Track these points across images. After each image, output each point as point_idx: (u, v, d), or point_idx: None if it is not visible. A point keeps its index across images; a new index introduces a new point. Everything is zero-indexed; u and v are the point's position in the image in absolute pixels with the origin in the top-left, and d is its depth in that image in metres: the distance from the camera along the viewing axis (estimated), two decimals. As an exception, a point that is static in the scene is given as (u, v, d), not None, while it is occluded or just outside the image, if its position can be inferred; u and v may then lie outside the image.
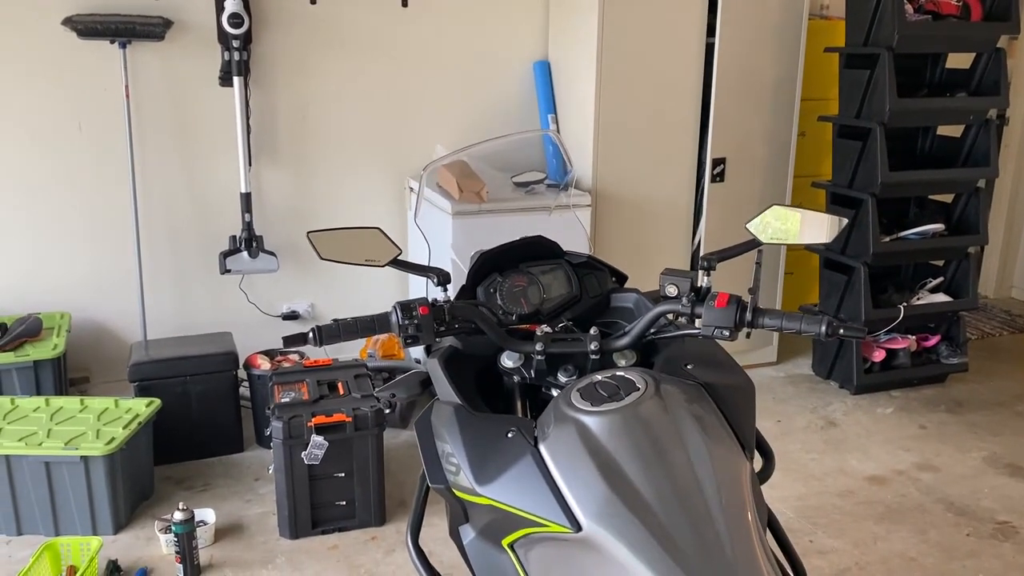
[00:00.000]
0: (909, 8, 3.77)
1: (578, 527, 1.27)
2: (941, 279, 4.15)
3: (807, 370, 4.31)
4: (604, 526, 1.25)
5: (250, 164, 3.68)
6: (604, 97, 3.70)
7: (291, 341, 1.51)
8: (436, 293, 1.64)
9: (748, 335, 1.51)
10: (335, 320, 1.53)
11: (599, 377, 1.43)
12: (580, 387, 1.42)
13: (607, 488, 1.27)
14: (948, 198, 4.16)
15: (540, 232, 1.87)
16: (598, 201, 3.76)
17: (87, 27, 3.35)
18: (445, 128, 4.04)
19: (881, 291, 4.06)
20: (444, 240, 3.48)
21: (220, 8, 3.50)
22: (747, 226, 1.69)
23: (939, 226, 3.98)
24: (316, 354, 3.47)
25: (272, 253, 3.76)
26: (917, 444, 3.59)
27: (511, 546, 1.41)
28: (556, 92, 4.02)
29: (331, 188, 3.95)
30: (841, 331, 1.44)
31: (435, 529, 2.69)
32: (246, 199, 3.68)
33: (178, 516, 2.60)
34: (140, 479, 3.04)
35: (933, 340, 4.16)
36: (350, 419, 2.83)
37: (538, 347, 1.57)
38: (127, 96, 3.50)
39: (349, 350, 3.71)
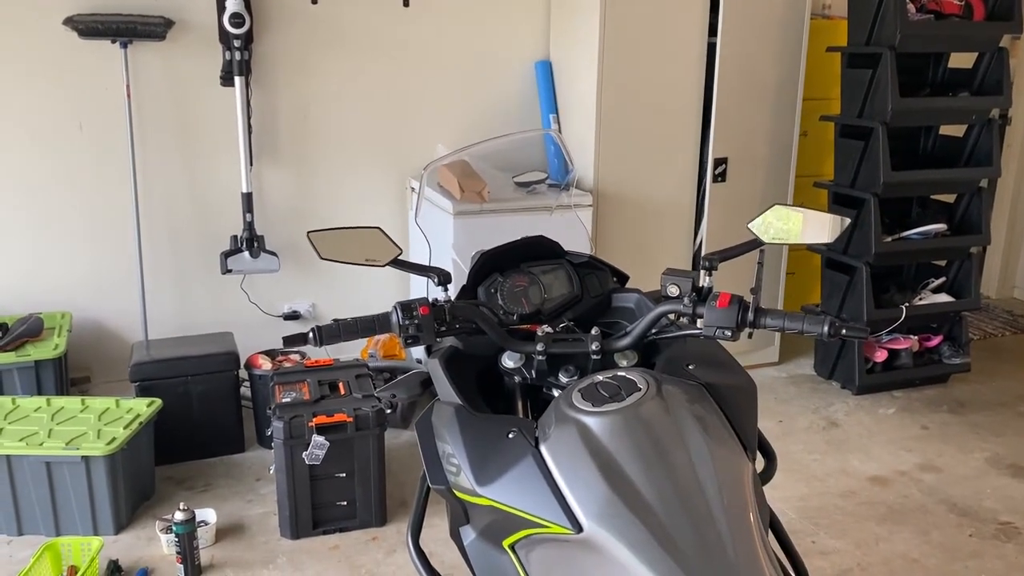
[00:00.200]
0: (911, 7, 3.77)
1: (579, 528, 1.26)
2: (943, 279, 4.14)
3: (809, 370, 4.30)
4: (605, 527, 1.25)
5: (251, 164, 3.68)
6: (605, 97, 3.69)
7: (291, 341, 1.51)
8: (437, 293, 1.64)
9: (750, 336, 1.50)
10: (335, 320, 1.53)
11: (600, 377, 1.43)
12: (581, 387, 1.41)
13: (608, 489, 1.27)
14: (950, 198, 4.15)
15: (541, 232, 1.86)
16: (599, 201, 3.76)
17: (88, 27, 3.35)
18: (446, 128, 4.04)
19: (883, 291, 4.06)
20: (445, 240, 3.48)
21: (221, 8, 3.50)
22: (749, 226, 1.68)
23: (941, 226, 3.98)
24: (317, 354, 3.46)
25: (273, 253, 3.76)
26: (919, 444, 3.59)
27: (512, 547, 1.40)
28: (557, 92, 4.02)
29: (332, 188, 3.95)
30: (843, 331, 1.43)
31: (436, 530, 2.69)
32: (247, 199, 3.68)
33: (179, 516, 2.60)
34: (141, 479, 3.04)
35: (935, 340, 4.15)
36: (351, 419, 2.83)
37: (539, 347, 1.56)
38: (128, 96, 3.50)
39: (350, 350, 3.71)
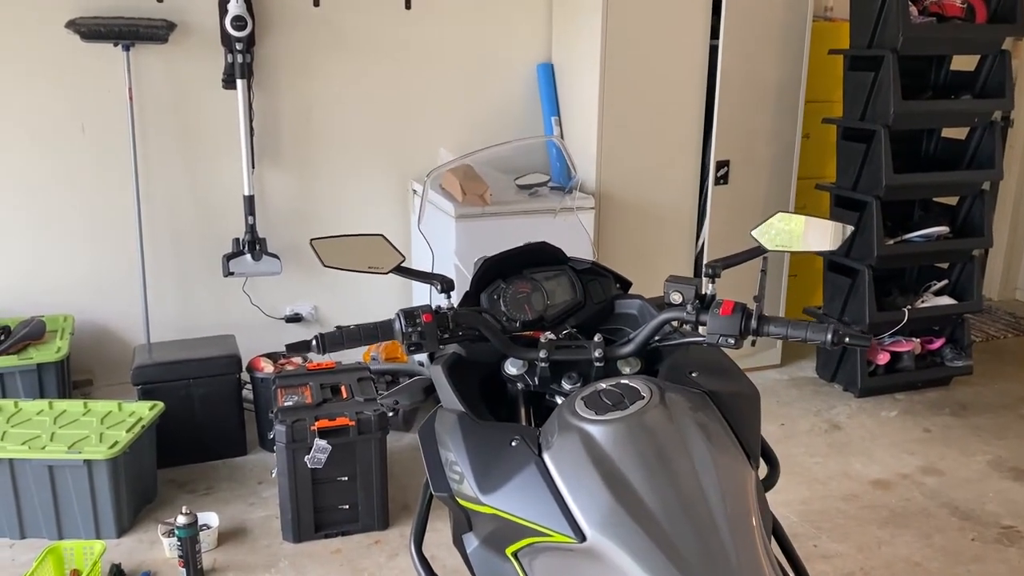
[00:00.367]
0: (913, 10, 3.76)
1: (582, 537, 1.26)
2: (945, 281, 4.14)
3: (811, 373, 4.30)
4: (608, 536, 1.25)
5: (253, 166, 3.68)
6: (608, 99, 3.69)
7: (294, 349, 1.51)
8: (439, 300, 1.64)
9: (753, 343, 1.50)
10: (338, 327, 1.52)
11: (603, 385, 1.43)
12: (584, 395, 1.41)
13: (611, 498, 1.27)
14: (952, 200, 4.15)
15: (543, 235, 1.86)
16: (601, 203, 3.76)
17: (91, 30, 3.35)
18: (448, 130, 4.04)
19: (885, 294, 4.06)
20: (447, 244, 3.48)
21: (223, 11, 3.50)
22: (752, 233, 1.68)
23: (943, 228, 3.98)
24: (319, 357, 3.46)
25: (275, 256, 3.76)
26: (921, 447, 3.59)
27: (515, 555, 1.40)
28: (559, 94, 4.01)
29: (334, 190, 3.95)
30: (847, 340, 1.43)
31: (438, 534, 2.69)
32: (249, 201, 3.68)
33: (181, 520, 2.60)
34: (143, 482, 3.04)
35: (937, 343, 4.15)
36: (353, 423, 2.83)
37: (542, 354, 1.56)
38: (130, 98, 3.50)
39: (352, 353, 3.70)
